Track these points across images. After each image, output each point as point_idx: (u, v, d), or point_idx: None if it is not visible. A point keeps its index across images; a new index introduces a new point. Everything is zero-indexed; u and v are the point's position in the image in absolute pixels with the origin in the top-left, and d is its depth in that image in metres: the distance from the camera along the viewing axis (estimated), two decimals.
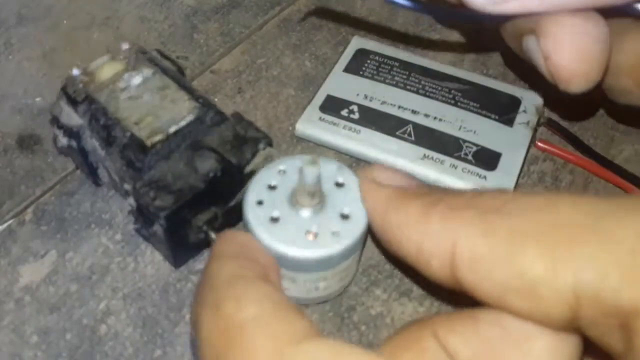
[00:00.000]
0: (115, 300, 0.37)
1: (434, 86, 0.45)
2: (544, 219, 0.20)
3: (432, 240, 0.22)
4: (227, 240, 0.28)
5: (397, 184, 0.26)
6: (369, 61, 0.47)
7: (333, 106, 0.44)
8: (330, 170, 0.31)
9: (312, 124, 0.44)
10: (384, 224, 0.25)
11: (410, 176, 0.28)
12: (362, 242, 0.30)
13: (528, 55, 0.30)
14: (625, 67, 0.31)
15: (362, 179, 0.28)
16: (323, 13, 0.49)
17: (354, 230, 0.29)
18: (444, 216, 0.22)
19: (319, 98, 0.45)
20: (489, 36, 0.41)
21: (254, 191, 0.31)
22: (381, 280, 0.38)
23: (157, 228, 0.35)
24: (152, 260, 0.39)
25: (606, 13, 0.28)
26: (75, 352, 0.36)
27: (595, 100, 0.37)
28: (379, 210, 0.26)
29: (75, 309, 0.37)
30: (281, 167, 0.32)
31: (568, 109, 0.46)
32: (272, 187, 0.31)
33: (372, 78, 0.46)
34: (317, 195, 0.29)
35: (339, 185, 0.30)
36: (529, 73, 0.34)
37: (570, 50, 0.27)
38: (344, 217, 0.29)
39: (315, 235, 0.29)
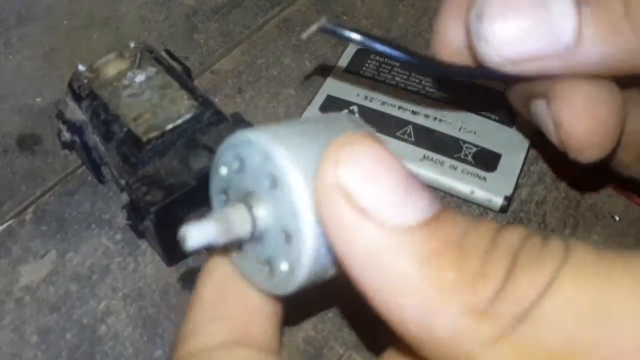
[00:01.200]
0: (116, 300, 0.38)
1: (434, 86, 0.45)
2: None
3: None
4: (207, 283, 0.24)
5: (393, 210, 0.18)
6: (369, 61, 0.47)
7: (333, 106, 0.44)
8: (255, 161, 0.21)
9: None
10: (373, 283, 0.18)
11: (410, 175, 0.19)
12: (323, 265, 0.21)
13: (536, 119, 0.28)
14: (626, 143, 0.28)
15: (324, 186, 0.18)
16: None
17: (303, 257, 0.20)
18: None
19: (319, 98, 0.45)
20: None
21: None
22: None
23: (148, 223, 0.35)
24: (152, 261, 0.39)
25: (622, 82, 0.26)
26: (75, 351, 0.36)
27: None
28: (362, 264, 0.18)
29: (75, 309, 0.37)
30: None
31: None
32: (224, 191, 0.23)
33: (372, 78, 0.46)
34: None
35: (273, 184, 0.20)
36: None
37: (585, 118, 0.25)
38: (288, 237, 0.20)
39: (270, 271, 0.22)
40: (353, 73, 0.46)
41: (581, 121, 0.25)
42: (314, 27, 0.25)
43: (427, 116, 0.44)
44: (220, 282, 0.24)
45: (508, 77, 0.26)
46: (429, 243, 0.18)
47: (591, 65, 0.24)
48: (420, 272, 0.17)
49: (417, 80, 0.46)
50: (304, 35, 0.25)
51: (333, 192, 0.18)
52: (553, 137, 0.27)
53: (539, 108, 0.27)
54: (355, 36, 0.25)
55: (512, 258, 0.18)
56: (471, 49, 0.26)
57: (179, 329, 0.24)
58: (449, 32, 0.30)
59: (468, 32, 0.25)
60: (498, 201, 0.40)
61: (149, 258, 0.39)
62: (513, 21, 0.24)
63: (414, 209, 0.18)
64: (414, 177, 0.19)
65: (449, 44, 0.30)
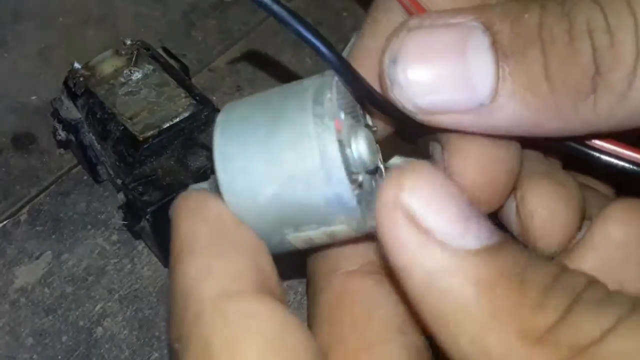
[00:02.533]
0: (112, 302, 0.37)
1: None
2: None
3: None
4: (193, 214, 0.22)
5: (455, 230, 0.18)
6: None
7: None
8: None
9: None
10: (431, 302, 0.19)
11: (472, 204, 0.19)
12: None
13: (432, 159, 0.26)
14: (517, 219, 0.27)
15: (386, 207, 0.19)
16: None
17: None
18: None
19: None
20: None
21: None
22: None
23: (145, 224, 0.35)
24: (148, 262, 0.39)
25: (530, 141, 0.25)
26: (71, 354, 0.35)
27: None
28: (422, 283, 0.19)
29: (71, 311, 0.37)
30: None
31: None
32: None
33: None
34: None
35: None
36: None
37: (475, 173, 0.24)
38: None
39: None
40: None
41: (471, 175, 0.24)
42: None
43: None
44: (214, 216, 0.21)
45: (418, 126, 0.23)
46: (489, 269, 0.18)
47: (505, 125, 0.22)
48: (477, 296, 0.18)
49: None
50: None
51: (396, 214, 0.19)
52: None
53: (435, 152, 0.25)
54: (278, 10, 0.20)
55: (574, 297, 0.18)
56: (385, 93, 0.23)
57: (175, 274, 0.21)
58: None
59: (381, 76, 0.23)
60: None
61: (145, 259, 0.39)
62: (428, 69, 0.22)
63: (475, 235, 0.18)
64: (476, 206, 0.19)
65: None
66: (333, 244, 0.22)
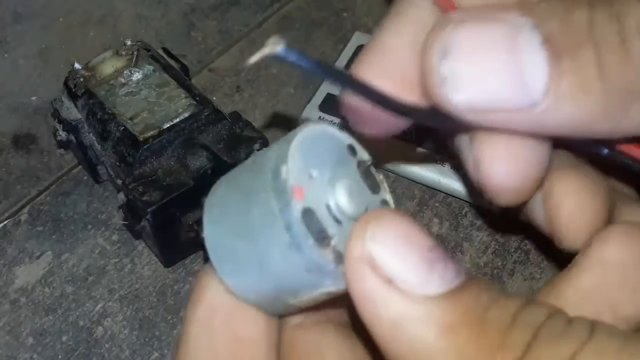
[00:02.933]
0: (112, 302, 0.37)
1: None
2: None
3: None
4: (192, 305, 0.23)
5: (416, 275, 0.19)
6: None
7: (333, 105, 0.44)
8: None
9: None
10: (397, 350, 0.19)
11: (437, 247, 0.19)
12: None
13: (458, 152, 0.26)
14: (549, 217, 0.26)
15: (353, 258, 0.19)
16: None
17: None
18: None
19: (319, 97, 0.44)
20: None
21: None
22: None
23: (145, 224, 0.35)
24: (149, 262, 0.39)
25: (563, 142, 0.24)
26: (71, 354, 0.35)
27: None
28: (381, 324, 0.19)
29: (71, 311, 0.37)
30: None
31: None
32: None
33: None
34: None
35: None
36: None
37: (505, 162, 0.23)
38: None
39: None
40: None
41: (500, 167, 0.23)
42: (265, 51, 0.20)
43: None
44: (205, 314, 0.23)
45: (460, 127, 0.22)
46: (450, 314, 0.18)
47: (554, 126, 0.21)
48: (440, 342, 0.18)
49: None
50: (252, 60, 0.21)
51: (361, 264, 0.19)
52: (471, 174, 0.25)
53: (462, 143, 0.25)
54: (313, 66, 0.21)
55: (533, 332, 0.18)
56: (426, 90, 0.22)
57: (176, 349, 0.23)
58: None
59: (426, 70, 0.21)
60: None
61: (145, 259, 0.39)
62: (483, 64, 0.21)
63: (438, 280, 0.19)
64: (440, 248, 0.20)
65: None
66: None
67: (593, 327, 0.18)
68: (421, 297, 0.18)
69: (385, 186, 0.23)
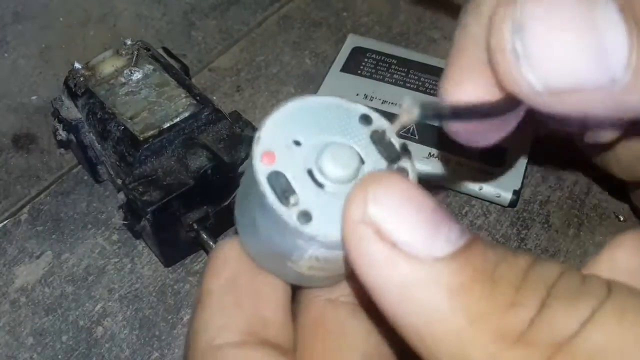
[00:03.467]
0: (112, 302, 0.37)
1: (434, 83, 0.45)
2: None
3: None
4: (212, 272, 0.24)
5: (417, 237, 0.18)
6: (366, 59, 0.46)
7: None
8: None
9: None
10: (405, 315, 0.18)
11: (439, 208, 0.19)
12: None
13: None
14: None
15: (353, 222, 0.18)
16: None
17: None
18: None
19: None
20: None
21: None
22: None
23: (145, 223, 0.35)
24: (149, 261, 0.39)
25: None
26: (71, 354, 0.35)
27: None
28: (394, 297, 0.18)
29: (71, 311, 0.37)
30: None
31: None
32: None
33: (370, 77, 0.45)
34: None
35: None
36: None
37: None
38: None
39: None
40: (351, 72, 0.46)
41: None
42: (403, 119, 0.19)
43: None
44: (230, 270, 0.24)
45: (536, 115, 0.20)
46: (459, 274, 0.18)
47: (635, 104, 0.20)
48: (450, 303, 0.17)
49: (415, 77, 0.45)
50: (394, 130, 0.21)
51: (362, 228, 0.18)
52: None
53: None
54: (447, 117, 0.20)
55: (547, 290, 0.17)
56: (496, 71, 0.20)
57: (191, 322, 0.24)
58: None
59: (496, 46, 0.19)
60: (507, 196, 0.40)
61: (145, 259, 0.39)
62: (560, 38, 0.19)
63: (443, 241, 0.18)
64: (443, 209, 0.19)
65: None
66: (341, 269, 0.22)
67: (610, 285, 0.17)
68: (428, 259, 0.18)
69: (408, 156, 0.23)
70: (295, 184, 0.21)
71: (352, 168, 0.21)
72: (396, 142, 0.22)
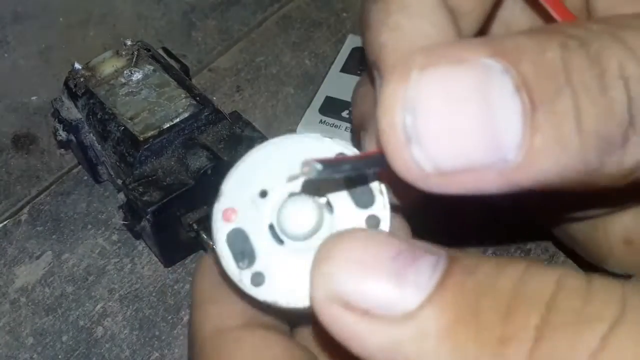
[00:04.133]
0: (112, 302, 0.37)
1: None
2: None
3: None
4: (201, 274, 0.24)
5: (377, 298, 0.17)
6: (365, 59, 0.46)
7: (333, 108, 0.44)
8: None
9: (313, 127, 0.43)
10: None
11: (400, 250, 0.18)
12: None
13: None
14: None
15: (320, 303, 0.18)
16: None
17: None
18: None
19: (318, 100, 0.44)
20: None
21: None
22: None
23: (145, 224, 0.35)
24: (149, 262, 0.39)
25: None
26: (71, 354, 0.35)
27: None
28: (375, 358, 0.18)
29: (71, 311, 0.37)
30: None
31: None
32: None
33: None
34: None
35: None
36: None
37: None
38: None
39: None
40: (350, 72, 0.46)
41: None
42: (303, 174, 0.18)
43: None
44: (216, 275, 0.24)
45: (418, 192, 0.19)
46: (440, 318, 0.16)
47: (529, 183, 0.18)
48: (441, 351, 0.16)
49: None
50: (292, 180, 0.21)
51: (330, 306, 0.18)
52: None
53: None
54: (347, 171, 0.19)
55: (542, 313, 0.15)
56: (385, 150, 0.19)
57: (190, 320, 0.24)
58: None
59: (385, 127, 0.18)
60: None
61: (145, 259, 0.39)
62: (453, 120, 0.18)
63: (412, 290, 0.17)
64: (407, 249, 0.18)
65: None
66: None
67: (624, 295, 0.15)
68: (402, 316, 0.17)
69: (382, 199, 0.21)
70: (255, 241, 0.20)
71: (309, 225, 0.20)
72: (374, 184, 0.21)
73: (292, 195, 0.21)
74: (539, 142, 0.18)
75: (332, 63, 0.47)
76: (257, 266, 0.20)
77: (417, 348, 0.17)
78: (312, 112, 0.44)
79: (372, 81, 0.24)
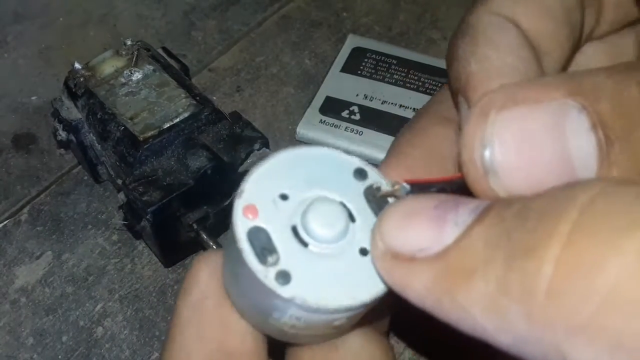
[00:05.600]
0: (112, 302, 0.37)
1: (434, 83, 0.45)
2: None
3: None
4: (183, 294, 0.24)
5: (427, 243, 0.18)
6: (366, 60, 0.46)
7: (333, 108, 0.44)
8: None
9: (313, 127, 0.43)
10: (440, 310, 0.18)
11: (436, 201, 0.19)
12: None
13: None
14: None
15: (377, 255, 0.20)
16: None
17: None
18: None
19: (318, 100, 0.44)
20: None
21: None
22: None
23: (145, 224, 0.35)
24: (149, 262, 0.39)
25: None
26: (71, 354, 0.35)
27: None
28: (425, 299, 0.18)
29: (71, 311, 0.37)
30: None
31: None
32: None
33: (370, 77, 0.45)
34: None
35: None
36: None
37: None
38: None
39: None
40: (351, 72, 0.46)
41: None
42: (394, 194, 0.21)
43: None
44: (198, 293, 0.23)
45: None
46: (475, 246, 0.17)
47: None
48: (474, 280, 0.17)
49: (415, 78, 0.45)
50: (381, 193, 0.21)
51: (384, 261, 0.19)
52: None
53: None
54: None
55: (576, 216, 0.16)
56: (467, 180, 0.21)
57: (162, 351, 0.23)
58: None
59: (466, 160, 0.20)
60: None
61: (146, 259, 0.39)
62: (527, 155, 0.20)
63: (451, 228, 0.18)
64: (449, 200, 0.19)
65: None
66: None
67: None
68: (441, 251, 0.18)
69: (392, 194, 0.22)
70: (277, 241, 0.20)
71: (338, 228, 0.20)
72: (392, 200, 0.21)
73: (318, 199, 0.21)
74: (615, 175, 0.19)
75: (332, 63, 0.47)
76: (282, 265, 0.20)
77: (451, 283, 0.17)
78: (312, 112, 0.44)
79: (456, 106, 0.25)
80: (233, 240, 0.20)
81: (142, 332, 0.36)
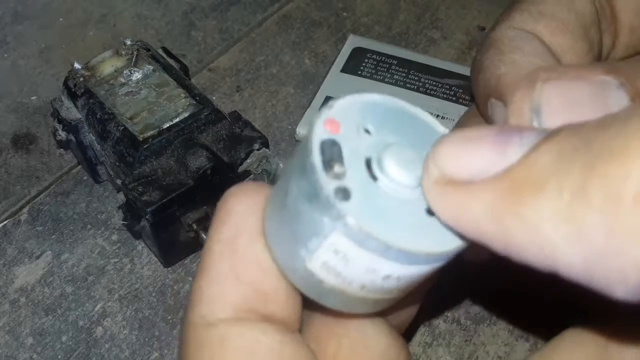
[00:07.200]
0: (112, 302, 0.37)
1: (434, 83, 0.45)
2: None
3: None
4: (215, 229, 0.21)
5: (485, 165, 0.17)
6: (366, 60, 0.46)
7: None
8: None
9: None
10: (505, 238, 0.16)
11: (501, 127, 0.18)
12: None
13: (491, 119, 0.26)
14: None
15: (430, 182, 0.18)
16: None
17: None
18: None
19: (318, 100, 0.44)
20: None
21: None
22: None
23: (145, 224, 0.35)
24: (148, 262, 0.39)
25: None
26: (71, 354, 0.35)
27: None
28: (483, 225, 0.17)
29: (71, 311, 0.37)
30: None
31: None
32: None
33: (370, 77, 0.45)
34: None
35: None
36: None
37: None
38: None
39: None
40: (351, 73, 0.46)
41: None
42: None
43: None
44: (232, 228, 0.21)
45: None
46: (543, 158, 0.16)
47: None
48: (539, 198, 0.15)
49: (415, 78, 0.45)
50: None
51: (435, 189, 0.18)
52: None
53: (495, 108, 0.24)
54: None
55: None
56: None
57: (193, 285, 0.21)
58: None
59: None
60: None
61: (145, 259, 0.39)
62: (574, 119, 0.19)
63: (516, 148, 0.17)
64: (514, 126, 0.19)
65: None
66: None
67: None
68: (503, 171, 0.16)
69: None
70: (348, 160, 0.19)
71: (413, 174, 0.19)
72: None
73: (400, 144, 0.20)
74: None
75: (332, 63, 0.47)
76: (346, 182, 0.18)
77: (517, 199, 0.16)
78: (312, 112, 0.44)
79: (485, 118, 0.25)
80: (299, 154, 0.19)
81: (142, 332, 0.36)
